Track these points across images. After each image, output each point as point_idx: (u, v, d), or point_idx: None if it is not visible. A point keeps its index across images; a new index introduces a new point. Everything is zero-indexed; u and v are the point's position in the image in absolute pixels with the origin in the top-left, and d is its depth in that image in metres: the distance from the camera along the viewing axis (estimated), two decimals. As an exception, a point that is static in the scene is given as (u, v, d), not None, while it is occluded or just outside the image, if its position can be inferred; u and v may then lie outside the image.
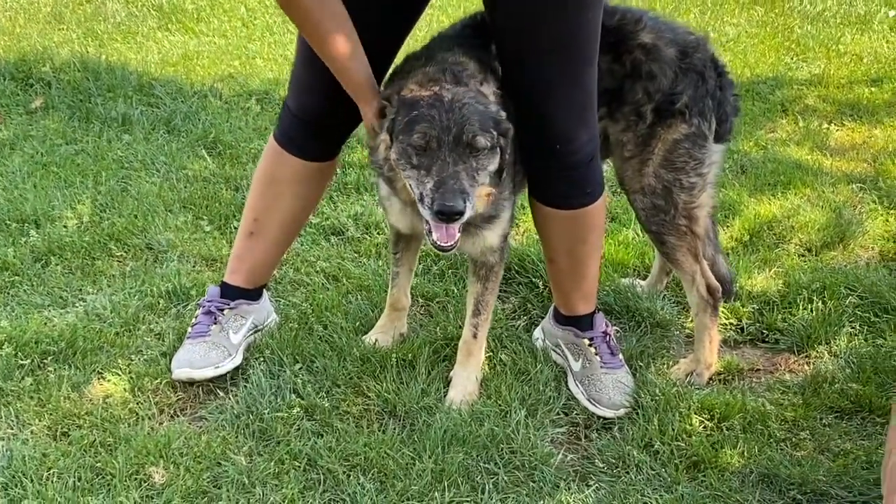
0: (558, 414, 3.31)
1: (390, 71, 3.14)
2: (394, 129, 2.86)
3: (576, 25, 2.94)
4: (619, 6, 3.14)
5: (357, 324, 3.70)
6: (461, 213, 2.73)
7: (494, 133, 2.84)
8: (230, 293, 3.55)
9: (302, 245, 4.21)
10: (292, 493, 2.90)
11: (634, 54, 3.17)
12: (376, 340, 3.57)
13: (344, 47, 2.91)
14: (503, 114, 2.91)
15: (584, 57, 3.00)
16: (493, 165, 2.88)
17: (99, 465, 2.99)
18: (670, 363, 3.56)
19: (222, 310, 3.52)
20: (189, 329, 3.54)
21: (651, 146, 3.25)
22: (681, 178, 3.26)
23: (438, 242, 2.82)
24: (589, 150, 3.13)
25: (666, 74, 3.18)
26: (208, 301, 3.55)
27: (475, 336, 3.33)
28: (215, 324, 3.50)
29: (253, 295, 3.59)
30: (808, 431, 3.22)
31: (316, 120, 3.26)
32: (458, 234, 2.84)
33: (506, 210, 3.15)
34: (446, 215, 2.72)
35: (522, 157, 3.16)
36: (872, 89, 5.89)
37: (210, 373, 3.39)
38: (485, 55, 3.04)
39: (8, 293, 3.86)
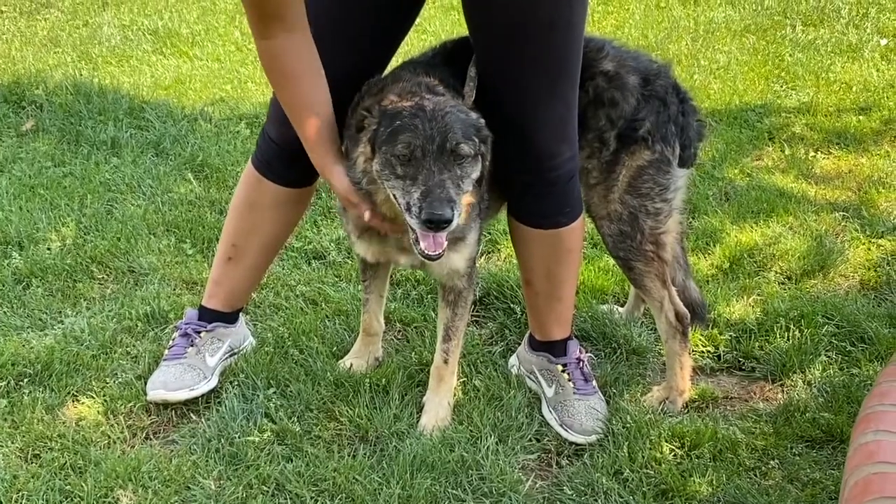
0: (530, 440, 3.31)
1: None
2: (375, 139, 2.88)
3: (563, 44, 2.99)
4: (584, 34, 3.17)
5: (334, 348, 3.72)
6: (449, 221, 2.74)
7: (476, 140, 2.87)
8: (207, 316, 3.58)
9: (283, 269, 4.23)
10: (258, 518, 2.92)
11: (597, 81, 3.21)
12: (351, 365, 3.58)
13: (315, 122, 3.01)
14: (482, 121, 2.94)
15: (569, 75, 3.05)
16: (476, 173, 2.91)
17: (68, 487, 3.00)
18: (645, 390, 3.56)
19: (199, 332, 3.54)
20: (166, 351, 3.56)
21: (615, 173, 3.27)
22: (646, 205, 3.29)
23: (426, 251, 2.83)
24: (570, 168, 3.17)
25: (628, 101, 3.21)
26: (185, 324, 3.58)
27: (446, 361, 3.35)
28: (191, 346, 3.52)
29: (230, 318, 3.61)
30: (777, 460, 3.22)
31: (296, 147, 3.24)
32: (446, 243, 2.86)
33: (472, 233, 3.17)
34: (435, 224, 2.73)
35: (501, 174, 3.18)
36: (860, 118, 5.90)
37: (184, 395, 3.40)
38: (448, 77, 3.07)
39: (-12, 315, 3.89)
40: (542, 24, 2.92)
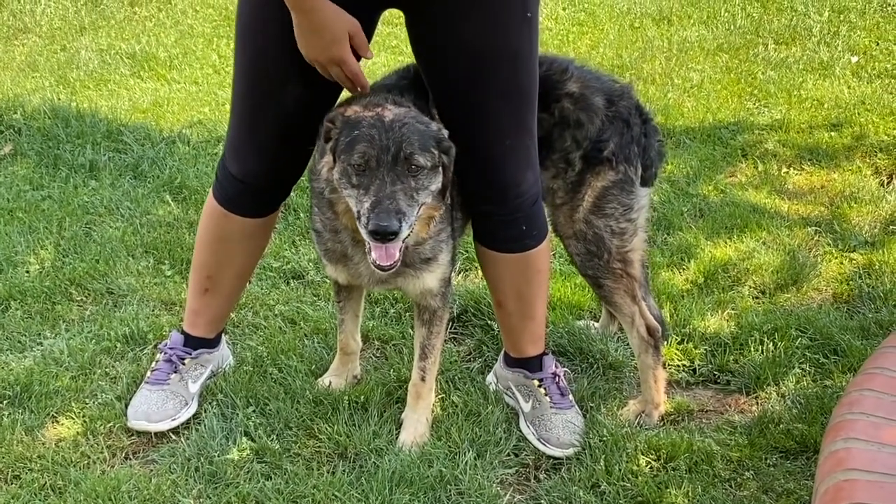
0: (508, 455, 3.34)
1: None
2: (336, 148, 2.91)
3: (526, 73, 3.02)
4: (546, 55, 3.21)
5: (312, 366, 3.74)
6: (395, 233, 2.76)
7: (436, 152, 2.89)
8: (192, 342, 3.57)
9: (261, 289, 4.25)
10: (238, 536, 2.93)
11: (562, 103, 3.24)
12: (329, 383, 3.60)
13: None
14: (445, 132, 2.96)
15: (531, 103, 3.08)
16: (435, 185, 2.93)
17: (48, 508, 3.02)
18: (621, 404, 3.60)
19: (183, 359, 3.53)
20: (148, 373, 3.56)
21: (581, 193, 3.31)
22: (611, 224, 3.33)
23: (378, 262, 2.85)
24: (534, 193, 3.20)
25: (593, 122, 3.25)
26: (171, 348, 3.56)
27: (423, 379, 3.37)
28: (175, 373, 3.51)
29: (214, 343, 3.62)
30: (752, 471, 3.26)
31: (260, 182, 3.28)
32: (398, 255, 2.87)
33: (444, 253, 3.20)
34: (381, 235, 2.76)
35: (466, 201, 3.23)
36: (832, 134, 5.97)
37: (166, 426, 3.40)
38: (415, 99, 3.10)
39: (-33, 338, 3.89)
40: (508, 54, 2.96)
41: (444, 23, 2.93)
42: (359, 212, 2.83)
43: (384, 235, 2.76)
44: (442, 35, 2.96)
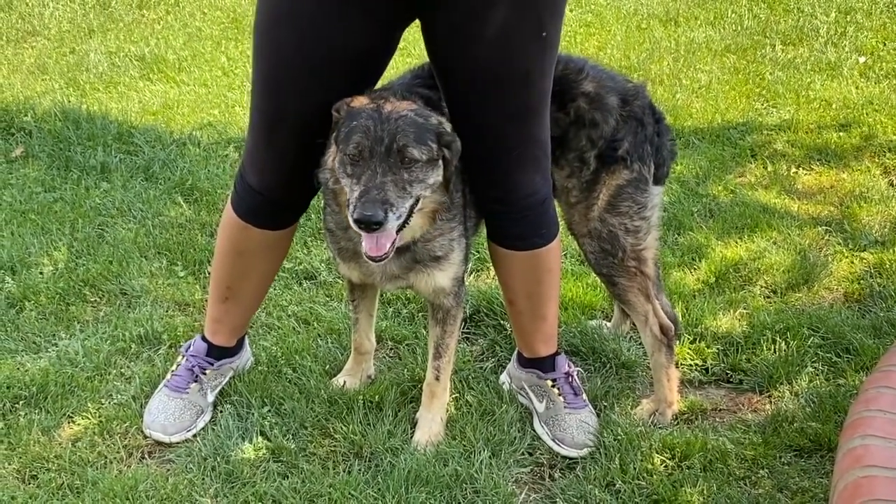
0: (523, 454, 3.35)
1: None
2: (338, 137, 2.92)
3: (538, 92, 3.03)
4: (561, 55, 3.20)
5: (326, 366, 3.75)
6: (379, 224, 2.76)
7: (434, 145, 2.88)
8: (215, 353, 3.56)
9: (274, 289, 4.25)
10: (256, 534, 2.94)
11: (578, 102, 3.25)
12: (344, 382, 3.62)
13: None
14: (447, 125, 2.96)
15: (540, 117, 3.09)
16: (433, 178, 2.93)
17: (66, 507, 3.03)
18: (634, 403, 3.61)
19: (205, 370, 3.53)
20: (168, 375, 3.56)
21: (596, 192, 3.32)
22: (626, 223, 3.35)
23: (368, 252, 2.86)
24: (543, 193, 3.21)
25: (608, 122, 3.26)
26: (193, 356, 3.54)
27: (438, 378, 3.39)
28: (195, 382, 3.50)
29: (235, 350, 3.62)
30: (767, 470, 3.27)
31: (280, 195, 3.26)
32: (389, 246, 2.87)
33: (456, 252, 3.20)
34: (364, 224, 2.76)
35: (476, 202, 3.24)
36: (841, 134, 5.97)
37: (182, 437, 3.40)
38: (432, 96, 3.11)
39: (-18, 339, 3.90)
40: (519, 76, 2.96)
41: (456, 40, 2.92)
42: (349, 201, 2.84)
43: (368, 224, 2.76)
44: (454, 52, 2.95)
